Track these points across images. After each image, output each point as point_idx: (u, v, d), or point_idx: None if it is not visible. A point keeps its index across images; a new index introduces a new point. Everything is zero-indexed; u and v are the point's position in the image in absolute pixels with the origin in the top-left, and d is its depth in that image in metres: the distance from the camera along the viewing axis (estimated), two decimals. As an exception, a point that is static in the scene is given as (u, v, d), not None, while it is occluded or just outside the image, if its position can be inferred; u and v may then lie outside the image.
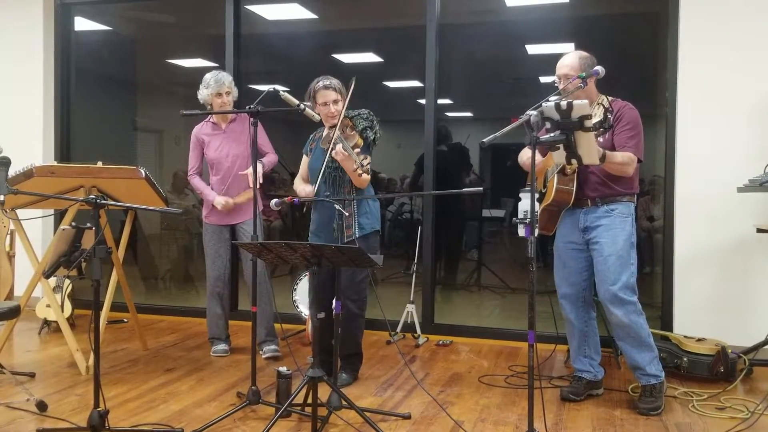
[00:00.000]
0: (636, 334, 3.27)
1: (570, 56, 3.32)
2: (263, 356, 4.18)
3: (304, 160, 3.82)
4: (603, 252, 3.29)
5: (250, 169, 4.04)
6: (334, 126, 3.56)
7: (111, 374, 3.88)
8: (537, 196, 3.45)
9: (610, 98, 3.37)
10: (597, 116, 3.26)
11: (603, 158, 3.10)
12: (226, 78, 4.20)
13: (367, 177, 3.46)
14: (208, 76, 4.21)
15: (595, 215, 3.34)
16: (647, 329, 3.31)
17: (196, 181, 4.29)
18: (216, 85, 4.16)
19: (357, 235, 3.56)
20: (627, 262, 3.27)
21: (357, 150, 3.40)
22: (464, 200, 6.42)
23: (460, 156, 6.00)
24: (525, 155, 3.59)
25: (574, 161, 2.97)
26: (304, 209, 3.46)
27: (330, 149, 3.44)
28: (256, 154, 3.46)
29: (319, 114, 3.58)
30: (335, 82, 3.59)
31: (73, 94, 5.88)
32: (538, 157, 3.42)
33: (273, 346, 4.26)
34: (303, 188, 3.72)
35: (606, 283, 3.27)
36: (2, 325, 4.06)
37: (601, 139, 3.13)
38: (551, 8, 5.22)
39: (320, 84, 3.57)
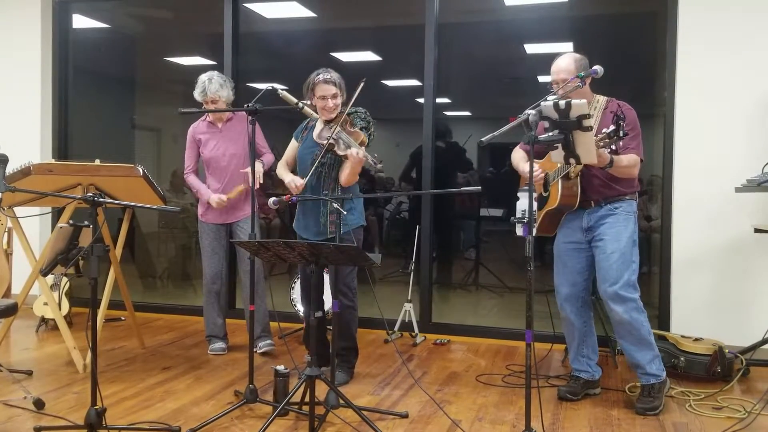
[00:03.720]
0: (636, 331, 3.27)
1: (564, 60, 3.28)
2: (258, 351, 4.19)
3: (293, 145, 3.79)
4: (606, 249, 3.29)
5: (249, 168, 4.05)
6: (330, 121, 3.55)
7: (108, 372, 3.88)
8: (537, 198, 3.45)
9: (606, 98, 3.36)
10: (596, 117, 3.26)
11: (611, 163, 3.10)
12: (212, 87, 4.12)
13: (354, 177, 3.50)
14: (201, 78, 4.17)
15: (598, 214, 3.34)
16: (648, 327, 3.31)
17: (192, 180, 4.29)
18: (201, 94, 4.15)
19: (341, 231, 3.55)
20: (629, 260, 3.27)
21: (363, 149, 3.40)
22: (463, 199, 6.41)
23: (458, 154, 6.00)
24: (516, 158, 3.58)
25: (572, 160, 2.97)
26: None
27: (327, 147, 3.44)
28: (255, 153, 3.46)
29: (316, 113, 3.58)
30: (335, 75, 3.55)
31: (70, 92, 5.87)
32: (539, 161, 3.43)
33: (268, 341, 4.27)
34: (289, 176, 3.66)
35: (608, 281, 3.27)
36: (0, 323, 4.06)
37: (614, 147, 3.10)
38: (550, 8, 5.21)
39: (320, 77, 3.52)
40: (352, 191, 3.64)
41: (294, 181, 3.57)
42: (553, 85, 3.26)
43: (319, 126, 3.62)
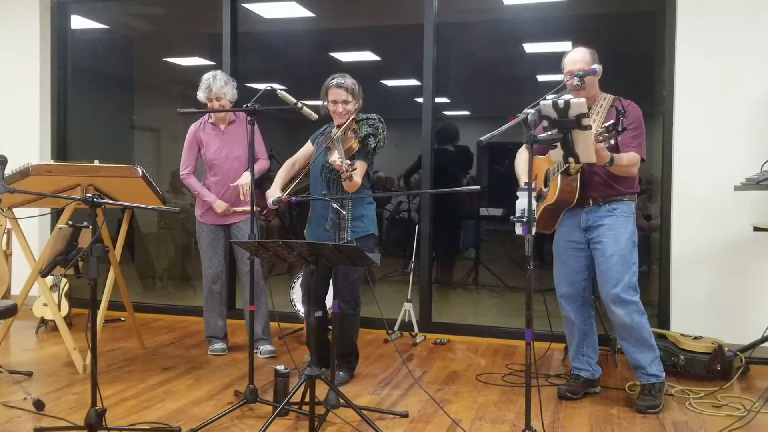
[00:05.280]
0: (638, 334, 3.28)
1: (580, 51, 3.29)
2: (260, 356, 4.19)
3: (307, 147, 3.79)
4: (606, 252, 3.29)
5: (240, 180, 4.05)
6: (340, 125, 3.56)
7: (108, 373, 3.88)
8: (536, 194, 3.44)
9: (613, 97, 3.36)
10: (601, 115, 3.26)
11: (611, 161, 3.10)
12: (217, 84, 4.11)
13: (353, 183, 3.39)
14: (205, 77, 4.17)
15: (597, 214, 3.34)
16: (649, 329, 3.31)
17: (191, 182, 4.27)
18: (206, 90, 4.14)
19: (349, 238, 3.55)
20: (629, 262, 3.27)
21: (349, 157, 3.36)
22: (463, 199, 6.43)
23: (463, 155, 6.01)
24: (521, 160, 3.56)
25: (571, 159, 2.97)
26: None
27: (324, 151, 3.44)
28: (254, 153, 3.45)
29: (316, 113, 3.57)
30: (350, 81, 3.56)
31: (69, 93, 5.87)
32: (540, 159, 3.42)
33: (269, 347, 4.26)
34: (273, 186, 3.64)
35: (608, 284, 3.27)
36: (-1, 324, 4.06)
37: (612, 141, 3.11)
38: (549, 7, 5.22)
39: (334, 81, 3.55)
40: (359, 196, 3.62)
41: (268, 198, 3.51)
42: (566, 76, 3.25)
43: (333, 130, 3.63)
